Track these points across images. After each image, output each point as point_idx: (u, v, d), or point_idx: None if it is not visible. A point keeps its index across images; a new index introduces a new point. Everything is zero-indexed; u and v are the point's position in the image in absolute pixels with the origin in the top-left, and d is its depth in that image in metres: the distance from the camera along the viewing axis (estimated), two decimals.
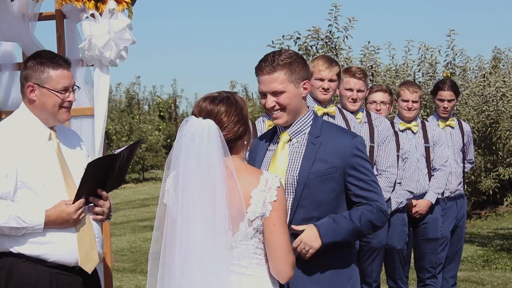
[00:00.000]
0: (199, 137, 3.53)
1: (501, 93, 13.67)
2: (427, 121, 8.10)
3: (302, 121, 4.19)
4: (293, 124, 4.19)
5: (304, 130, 4.18)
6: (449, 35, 15.12)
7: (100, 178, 4.45)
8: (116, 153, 4.49)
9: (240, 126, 3.67)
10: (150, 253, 3.74)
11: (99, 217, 4.53)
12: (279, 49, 4.11)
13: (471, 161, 8.45)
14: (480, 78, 15.48)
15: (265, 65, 4.10)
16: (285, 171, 4.12)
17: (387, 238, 7.05)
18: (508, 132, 13.29)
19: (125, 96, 34.92)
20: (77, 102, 4.78)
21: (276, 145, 4.24)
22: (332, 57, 13.26)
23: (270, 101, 4.12)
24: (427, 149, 7.62)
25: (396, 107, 7.86)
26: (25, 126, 4.47)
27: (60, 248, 4.40)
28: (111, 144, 30.04)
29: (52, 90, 4.44)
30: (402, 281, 7.36)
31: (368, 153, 6.56)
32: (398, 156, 7.13)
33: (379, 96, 7.37)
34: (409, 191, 7.20)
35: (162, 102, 36.10)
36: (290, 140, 4.20)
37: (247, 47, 72.01)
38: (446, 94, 7.96)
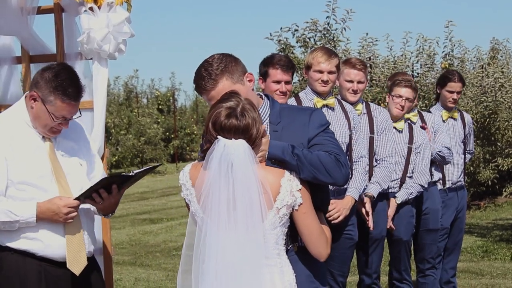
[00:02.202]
0: (237, 161, 3.62)
1: (500, 83, 13.66)
2: (429, 111, 8.09)
3: (260, 112, 4.05)
4: None
5: (265, 121, 4.10)
6: (447, 26, 15.12)
7: (108, 189, 4.44)
8: (132, 174, 4.48)
9: (260, 125, 3.75)
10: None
11: (95, 205, 4.51)
12: (203, 62, 3.96)
13: (471, 151, 8.45)
14: (479, 69, 15.48)
15: (205, 82, 3.99)
16: None
17: (394, 229, 7.07)
18: (506, 123, 13.30)
19: (123, 89, 34.99)
20: None
21: None
22: (330, 49, 13.31)
23: None
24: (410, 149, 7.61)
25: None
26: (19, 123, 4.47)
27: (49, 245, 4.41)
28: (110, 137, 30.05)
29: (51, 113, 4.40)
30: (407, 272, 7.35)
31: (368, 144, 6.60)
32: (410, 148, 7.14)
33: (407, 93, 7.15)
34: (420, 185, 7.19)
35: (161, 95, 36.13)
36: None
37: (245, 39, 72.03)
38: (456, 85, 7.97)
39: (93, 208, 4.60)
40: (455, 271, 8.24)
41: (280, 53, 13.66)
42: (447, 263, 8.13)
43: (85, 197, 4.40)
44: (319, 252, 3.87)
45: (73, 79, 4.46)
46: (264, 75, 6.10)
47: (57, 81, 4.38)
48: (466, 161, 8.33)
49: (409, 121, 7.34)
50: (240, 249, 3.60)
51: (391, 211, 6.97)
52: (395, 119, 7.15)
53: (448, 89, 7.97)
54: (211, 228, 3.64)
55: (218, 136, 3.66)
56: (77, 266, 4.46)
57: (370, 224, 6.44)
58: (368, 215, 6.43)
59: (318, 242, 3.85)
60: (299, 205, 3.75)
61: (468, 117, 8.33)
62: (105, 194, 4.42)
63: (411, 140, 7.17)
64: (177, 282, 3.86)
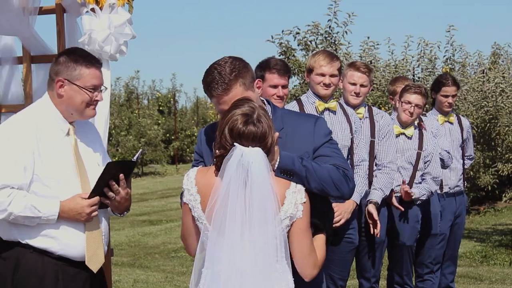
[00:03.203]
0: (255, 170, 3.63)
1: (500, 88, 13.67)
2: (425, 115, 8.09)
3: None
4: None
5: None
6: (449, 31, 15.15)
7: (116, 180, 4.44)
8: (134, 160, 4.53)
9: (274, 132, 3.76)
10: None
11: (107, 202, 4.51)
12: (216, 63, 3.89)
13: (470, 157, 8.41)
14: (479, 74, 15.49)
15: (217, 86, 3.91)
16: None
17: (399, 234, 7.07)
18: (507, 128, 13.29)
19: (124, 90, 34.97)
20: None
21: None
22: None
23: None
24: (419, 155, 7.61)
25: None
26: (44, 119, 4.49)
27: (68, 243, 4.42)
28: (110, 138, 30.04)
29: (82, 87, 4.45)
30: (409, 277, 7.34)
31: (369, 148, 6.60)
32: (419, 154, 7.15)
33: (416, 99, 7.14)
34: (431, 192, 7.19)
35: (161, 97, 36.14)
36: None
37: (246, 41, 72.04)
38: (451, 89, 7.94)
39: (108, 209, 4.62)
40: (454, 276, 8.23)
41: (281, 56, 13.68)
42: (446, 268, 8.12)
43: (97, 192, 4.40)
44: (303, 272, 3.80)
45: (85, 51, 4.67)
46: (260, 80, 6.06)
47: (74, 56, 4.50)
48: (466, 166, 8.31)
49: (418, 128, 7.33)
50: (253, 255, 3.60)
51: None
52: (404, 125, 7.19)
53: (442, 93, 7.94)
54: (219, 235, 3.63)
55: (235, 144, 3.65)
56: (95, 263, 4.49)
57: (378, 232, 6.42)
58: (376, 225, 6.40)
59: (306, 262, 3.79)
60: (297, 219, 3.72)
61: (466, 122, 8.30)
62: (115, 186, 4.43)
63: (420, 146, 7.16)
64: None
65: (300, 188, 3.74)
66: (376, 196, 6.54)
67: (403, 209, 6.86)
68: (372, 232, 6.42)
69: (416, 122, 7.34)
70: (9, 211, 4.26)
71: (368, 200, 6.47)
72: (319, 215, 3.94)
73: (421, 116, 7.81)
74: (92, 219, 4.44)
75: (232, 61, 3.96)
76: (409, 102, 7.14)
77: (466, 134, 8.18)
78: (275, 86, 6.00)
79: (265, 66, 6.06)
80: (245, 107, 3.70)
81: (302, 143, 4.03)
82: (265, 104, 4.13)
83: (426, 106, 7.84)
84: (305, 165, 3.85)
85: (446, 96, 7.93)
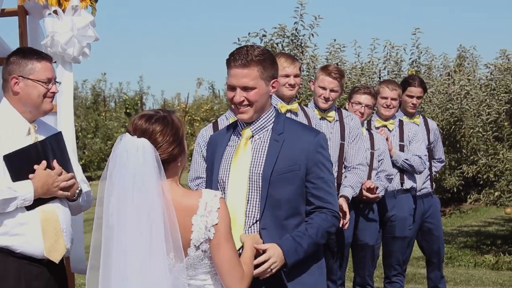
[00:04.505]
0: (134, 157, 3.45)
1: (465, 91, 13.74)
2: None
3: (265, 117, 4.17)
4: (256, 121, 4.17)
5: (267, 127, 4.16)
6: (415, 33, 15.21)
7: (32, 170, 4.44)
8: (35, 144, 4.50)
9: (175, 147, 3.57)
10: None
11: (65, 193, 4.53)
12: (252, 44, 4.04)
13: (440, 159, 8.38)
14: (445, 76, 15.58)
15: (239, 58, 4.05)
16: (248, 168, 4.11)
17: (359, 234, 7.09)
18: (471, 130, 13.35)
19: (91, 93, 34.78)
20: None
21: (236, 140, 4.21)
22: (298, 54, 13.34)
23: (239, 95, 4.07)
24: (401, 148, 7.62)
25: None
26: (4, 119, 4.53)
27: (28, 241, 4.41)
28: (77, 141, 29.84)
29: (36, 80, 4.53)
30: (370, 277, 7.38)
31: (338, 151, 6.62)
32: (372, 153, 7.15)
33: (366, 99, 7.25)
34: (385, 188, 7.22)
35: (129, 99, 35.97)
36: (253, 136, 4.18)
37: (213, 44, 71.97)
38: (416, 90, 7.94)
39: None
40: (439, 277, 8.21)
41: None
42: (431, 272, 8.20)
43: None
44: (230, 286, 3.60)
45: (33, 48, 4.81)
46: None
47: (23, 53, 4.62)
48: (436, 169, 8.30)
49: (367, 128, 7.38)
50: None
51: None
52: None
53: (408, 93, 7.94)
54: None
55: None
56: (55, 254, 4.48)
57: (346, 224, 6.41)
58: (345, 216, 6.39)
59: (229, 276, 3.59)
60: (212, 238, 3.55)
61: (432, 124, 8.30)
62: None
63: (372, 146, 7.19)
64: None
65: (211, 209, 3.54)
66: (347, 192, 6.55)
67: (375, 195, 6.89)
68: (340, 225, 6.41)
69: (365, 123, 7.40)
70: None
71: (340, 195, 6.47)
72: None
73: (401, 119, 7.81)
74: (68, 191, 4.49)
75: (264, 49, 4.16)
76: (360, 103, 7.24)
77: (433, 137, 8.17)
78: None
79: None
80: (158, 112, 3.61)
81: (297, 154, 4.09)
82: (271, 107, 4.24)
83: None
84: (305, 249, 4.04)
85: (411, 97, 7.94)
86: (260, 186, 4.07)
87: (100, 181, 3.61)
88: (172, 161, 3.58)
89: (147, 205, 3.42)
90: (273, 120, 4.19)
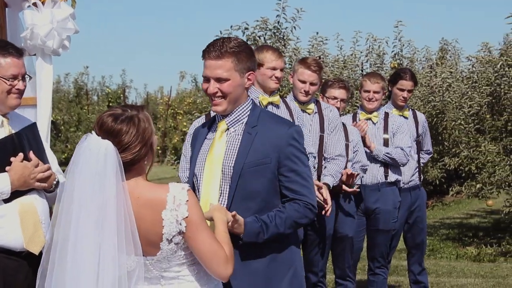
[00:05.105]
0: (96, 158, 3.43)
1: (447, 83, 13.78)
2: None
3: (240, 110, 4.16)
4: (231, 113, 4.17)
5: (242, 120, 4.15)
6: (397, 26, 15.25)
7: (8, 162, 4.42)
8: (10, 136, 4.48)
9: (141, 147, 3.53)
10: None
11: (43, 184, 4.52)
12: (228, 36, 4.01)
13: (428, 151, 8.40)
14: (427, 69, 15.62)
15: (213, 49, 4.05)
16: (221, 161, 4.11)
17: (338, 226, 7.09)
18: (453, 123, 13.39)
19: (73, 86, 34.67)
20: None
21: (214, 133, 4.22)
22: (280, 47, 13.34)
23: (213, 87, 4.07)
24: (386, 141, 7.63)
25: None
26: None
27: (6, 232, 4.38)
28: (59, 134, 29.78)
29: (0, 77, 4.46)
30: (350, 269, 7.38)
31: (318, 143, 6.63)
32: (347, 145, 7.14)
33: (341, 94, 7.26)
34: (359, 179, 7.24)
35: (111, 93, 35.86)
36: (228, 129, 4.18)
37: (196, 37, 71.94)
38: (407, 83, 7.92)
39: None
40: (420, 269, 8.23)
41: None
42: (412, 264, 8.22)
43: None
44: (216, 273, 3.60)
45: (8, 42, 4.70)
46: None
47: None
48: (424, 161, 8.33)
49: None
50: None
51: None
52: None
53: (398, 86, 7.93)
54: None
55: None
56: (35, 246, 4.46)
57: (328, 211, 6.38)
58: (326, 202, 6.37)
59: (212, 264, 3.57)
60: (184, 231, 3.52)
61: (421, 116, 8.30)
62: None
63: (347, 138, 7.18)
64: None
65: (180, 203, 3.51)
66: (328, 180, 6.57)
67: (354, 190, 6.94)
68: (322, 212, 6.38)
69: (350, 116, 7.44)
70: None
71: (322, 182, 6.47)
72: None
73: (386, 112, 7.81)
74: (45, 182, 4.48)
75: (241, 41, 4.17)
76: (335, 97, 7.25)
77: (422, 129, 8.19)
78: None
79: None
80: (126, 110, 3.57)
81: (269, 147, 4.06)
82: (248, 99, 4.22)
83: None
84: (268, 230, 3.99)
85: (402, 90, 7.92)
86: (230, 179, 4.07)
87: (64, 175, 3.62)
88: (138, 161, 3.56)
89: (102, 205, 3.40)
90: (248, 113, 4.18)
